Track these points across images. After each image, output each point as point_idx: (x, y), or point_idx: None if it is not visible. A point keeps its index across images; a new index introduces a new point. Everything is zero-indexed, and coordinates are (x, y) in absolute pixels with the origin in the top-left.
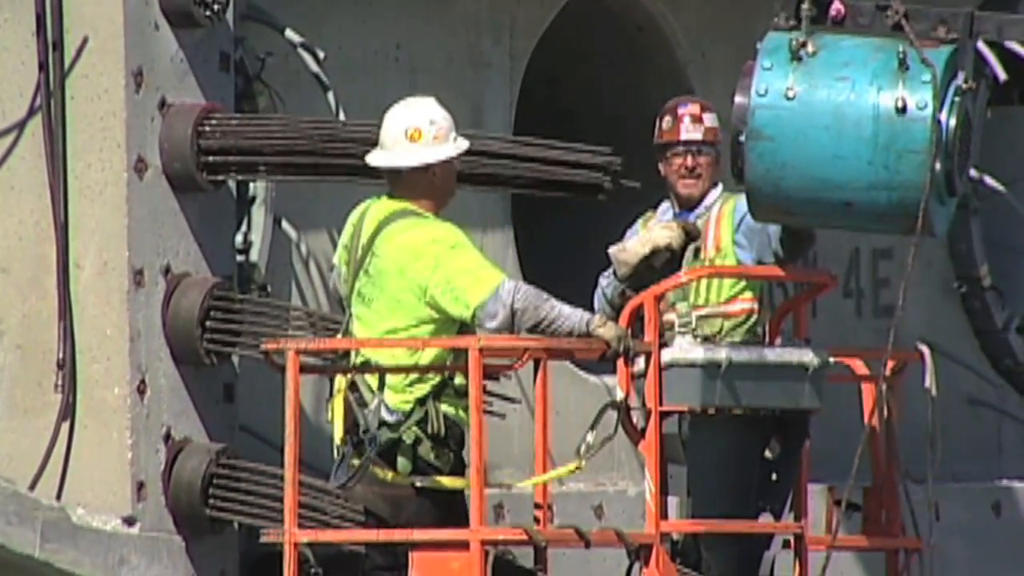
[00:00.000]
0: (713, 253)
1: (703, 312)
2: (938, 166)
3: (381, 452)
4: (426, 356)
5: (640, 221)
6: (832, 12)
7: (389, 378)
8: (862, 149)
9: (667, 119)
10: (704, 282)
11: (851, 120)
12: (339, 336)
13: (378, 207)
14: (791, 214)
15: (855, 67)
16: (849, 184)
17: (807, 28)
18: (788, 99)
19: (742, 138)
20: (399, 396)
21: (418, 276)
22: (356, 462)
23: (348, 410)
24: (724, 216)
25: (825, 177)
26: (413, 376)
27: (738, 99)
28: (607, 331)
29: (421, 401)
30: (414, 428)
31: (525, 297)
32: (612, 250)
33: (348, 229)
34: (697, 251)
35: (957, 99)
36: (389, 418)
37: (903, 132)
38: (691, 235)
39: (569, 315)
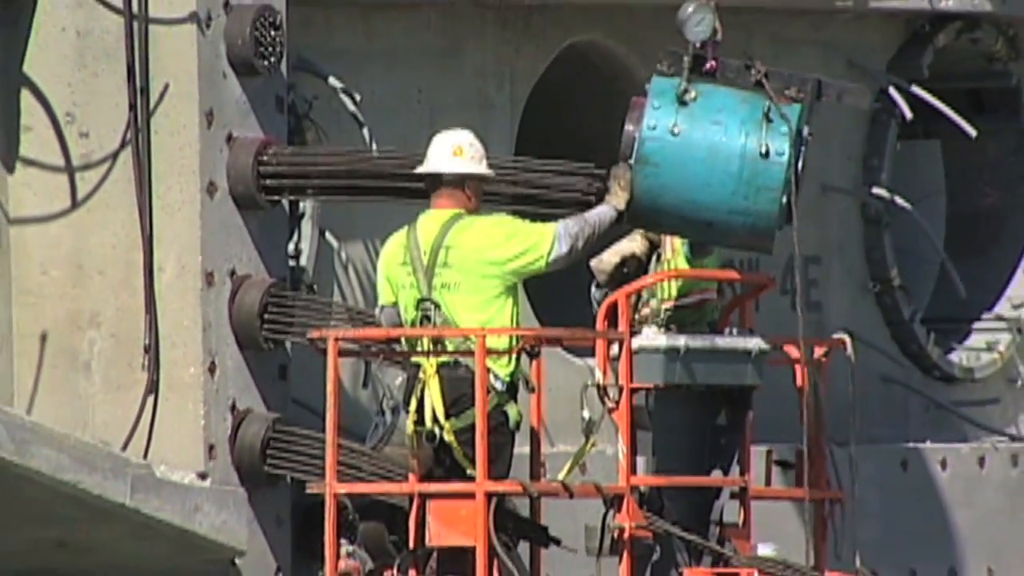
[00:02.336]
0: (670, 255)
1: (669, 305)
2: (783, 200)
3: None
4: (503, 340)
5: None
6: (707, 67)
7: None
8: (728, 181)
9: None
10: (668, 282)
11: (722, 156)
12: (418, 326)
13: (429, 220)
14: (660, 225)
15: (727, 114)
16: (714, 207)
17: (687, 77)
18: (673, 135)
19: (631, 161)
20: (505, 369)
21: (496, 253)
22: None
23: (444, 383)
24: None
25: (695, 200)
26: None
27: (630, 129)
28: (620, 199)
29: (513, 373)
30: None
31: (571, 230)
32: (592, 263)
33: (397, 254)
34: (659, 255)
35: (803, 148)
36: (501, 386)
37: (763, 171)
38: (653, 243)
39: (599, 214)
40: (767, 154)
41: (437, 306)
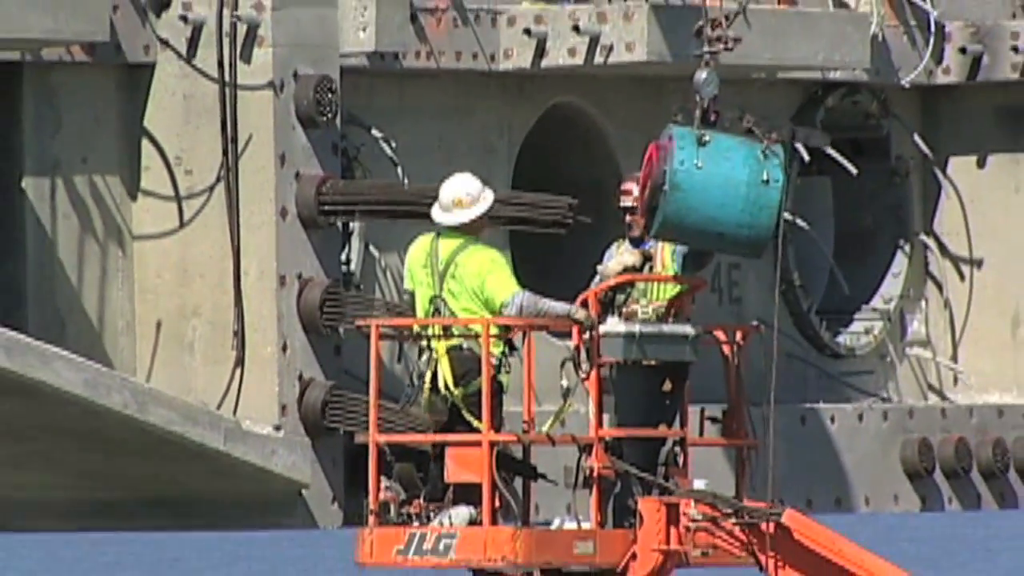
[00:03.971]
0: (660, 268)
1: (655, 305)
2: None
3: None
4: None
5: (615, 245)
6: (711, 117)
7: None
8: (738, 202)
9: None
10: (657, 287)
11: (734, 183)
12: (427, 317)
13: (446, 240)
14: (682, 237)
15: (734, 152)
16: (726, 222)
17: (699, 126)
18: (697, 168)
19: (665, 188)
20: (498, 349)
21: (481, 278)
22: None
23: (453, 361)
24: (666, 247)
25: (712, 216)
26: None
27: (662, 167)
28: (580, 315)
29: (503, 352)
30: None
31: (527, 300)
32: (599, 268)
33: (420, 256)
34: (651, 268)
35: (788, 178)
36: (495, 362)
37: (764, 194)
38: (648, 258)
39: (555, 306)
40: (767, 181)
41: (445, 303)
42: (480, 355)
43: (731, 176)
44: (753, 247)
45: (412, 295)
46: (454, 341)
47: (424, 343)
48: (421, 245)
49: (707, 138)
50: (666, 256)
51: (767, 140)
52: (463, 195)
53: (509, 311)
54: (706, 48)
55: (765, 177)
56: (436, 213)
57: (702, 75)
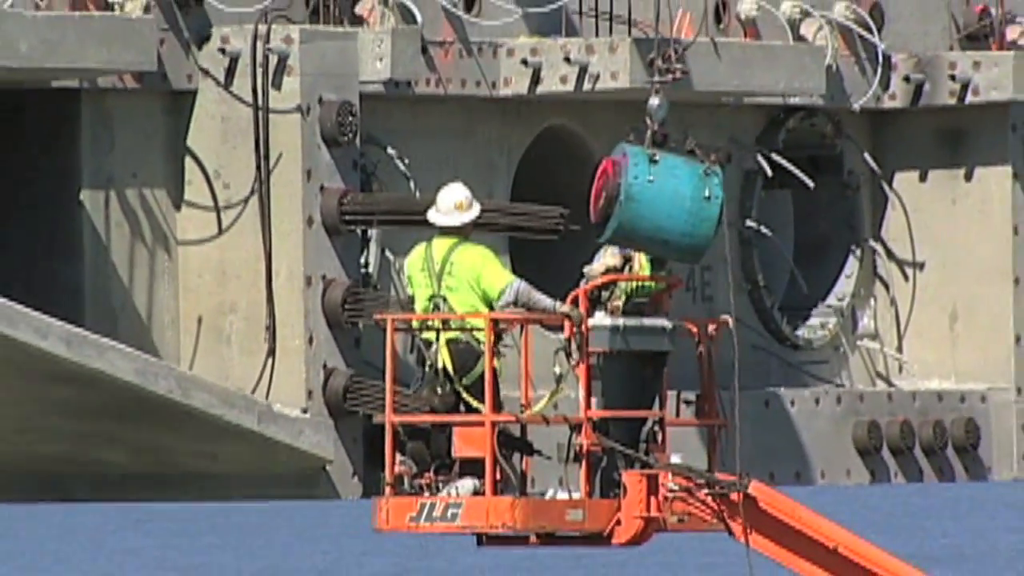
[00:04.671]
0: (637, 267)
1: (635, 300)
2: (716, 227)
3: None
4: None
5: (603, 250)
6: (659, 138)
7: (480, 332)
8: (683, 214)
9: None
10: (631, 284)
11: (680, 197)
12: (424, 312)
13: (440, 242)
14: (634, 242)
15: (680, 170)
16: (671, 231)
17: (649, 145)
18: (649, 182)
19: (620, 199)
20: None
21: (476, 272)
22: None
23: (452, 352)
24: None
25: (660, 226)
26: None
27: (617, 180)
28: (564, 310)
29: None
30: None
31: (523, 287)
32: (585, 269)
33: (417, 262)
34: (631, 267)
35: (724, 193)
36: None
37: (705, 208)
38: (628, 259)
39: (544, 299)
40: (708, 197)
41: (444, 299)
42: (474, 347)
43: (678, 191)
44: (694, 254)
45: (413, 299)
46: (451, 335)
47: (424, 336)
48: (417, 253)
49: (657, 157)
50: (643, 257)
51: (708, 160)
52: (463, 198)
53: (508, 297)
54: (657, 77)
55: (707, 193)
56: (435, 216)
57: (654, 101)
